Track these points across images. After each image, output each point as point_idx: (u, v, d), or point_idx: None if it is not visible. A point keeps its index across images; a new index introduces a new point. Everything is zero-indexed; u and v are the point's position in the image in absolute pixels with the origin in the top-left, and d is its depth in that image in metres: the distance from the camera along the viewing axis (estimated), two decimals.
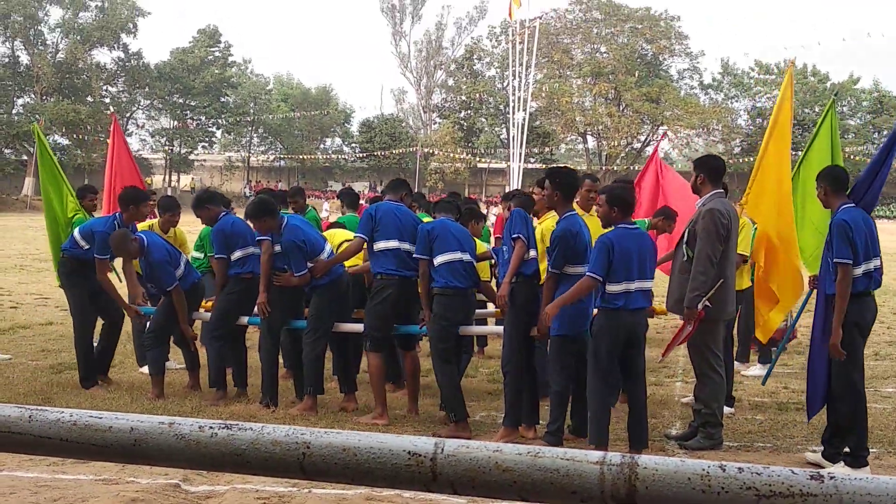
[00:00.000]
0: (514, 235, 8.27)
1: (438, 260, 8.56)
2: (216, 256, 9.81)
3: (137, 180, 12.90)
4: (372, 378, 8.98)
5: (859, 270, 7.27)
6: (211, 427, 2.20)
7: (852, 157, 73.70)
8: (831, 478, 1.85)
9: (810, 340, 7.92)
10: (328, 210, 50.66)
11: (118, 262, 10.70)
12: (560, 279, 7.94)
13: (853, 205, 7.47)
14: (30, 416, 2.29)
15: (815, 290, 8.29)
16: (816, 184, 7.72)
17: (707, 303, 7.82)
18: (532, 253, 8.35)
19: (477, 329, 10.07)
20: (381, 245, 8.92)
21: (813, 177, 8.68)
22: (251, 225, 9.55)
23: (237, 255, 9.67)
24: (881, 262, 7.50)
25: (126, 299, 10.41)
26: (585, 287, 7.66)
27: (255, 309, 9.49)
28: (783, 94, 9.74)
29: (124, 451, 2.22)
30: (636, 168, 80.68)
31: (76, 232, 10.36)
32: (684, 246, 8.15)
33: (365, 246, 9.12)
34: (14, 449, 2.31)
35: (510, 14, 64.97)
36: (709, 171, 8.18)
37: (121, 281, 10.89)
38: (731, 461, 5.90)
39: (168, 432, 2.20)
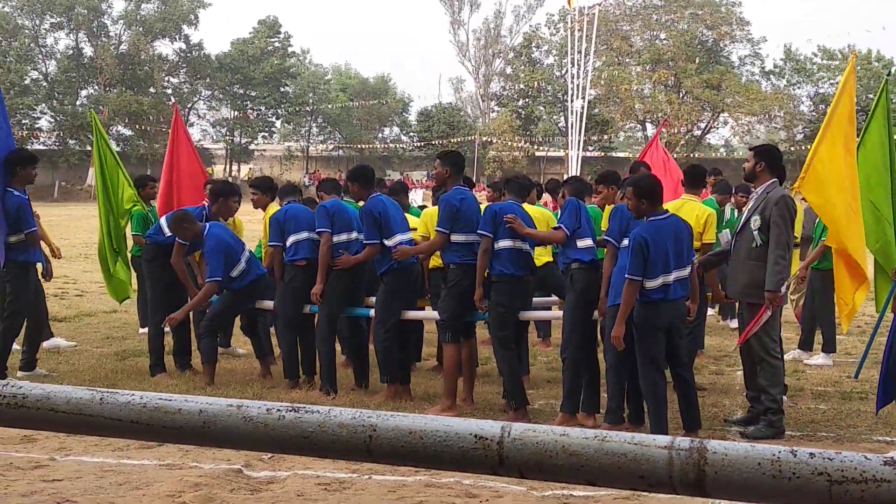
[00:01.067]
0: (555, 226, 8.53)
1: (500, 245, 8.56)
2: (271, 244, 10.07)
3: (199, 171, 13.01)
4: (447, 368, 9.01)
5: None
6: (279, 410, 2.23)
7: None
8: None
9: (890, 331, 7.83)
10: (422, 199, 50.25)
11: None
12: (616, 252, 8.15)
13: None
14: (101, 399, 2.33)
15: None
16: None
17: (785, 287, 7.90)
18: (588, 241, 8.43)
19: (538, 314, 10.05)
20: (460, 238, 8.89)
21: (871, 161, 8.65)
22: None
23: (292, 239, 9.80)
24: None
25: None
26: (631, 292, 7.68)
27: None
28: (844, 82, 9.60)
29: (194, 432, 2.26)
30: (696, 156, 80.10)
31: (163, 219, 10.55)
32: (755, 232, 8.14)
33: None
34: (86, 431, 2.35)
35: (569, 2, 64.77)
36: (770, 159, 8.32)
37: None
38: None
39: (236, 415, 2.23)
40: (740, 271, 8.31)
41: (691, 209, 9.66)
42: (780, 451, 1.89)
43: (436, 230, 8.97)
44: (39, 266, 10.35)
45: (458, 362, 8.98)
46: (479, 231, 8.63)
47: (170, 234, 10.13)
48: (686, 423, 7.86)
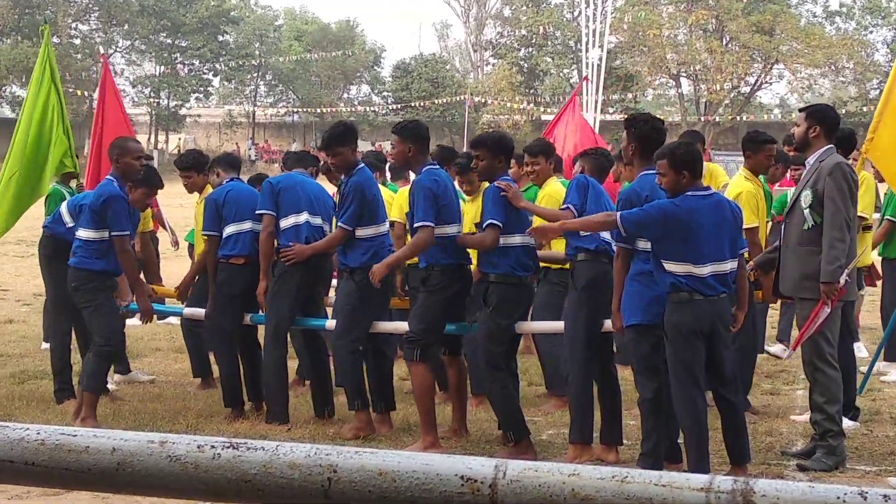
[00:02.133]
0: (563, 205, 8.47)
1: (511, 241, 8.53)
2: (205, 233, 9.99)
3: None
4: (418, 395, 8.90)
5: None
6: (212, 447, 2.22)
7: None
8: None
9: None
10: None
11: None
12: (630, 255, 7.90)
13: None
14: None
15: None
16: None
17: (847, 277, 7.87)
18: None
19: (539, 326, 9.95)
20: (440, 231, 8.78)
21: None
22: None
23: (231, 230, 9.81)
24: None
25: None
26: (604, 221, 7.85)
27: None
28: None
29: (105, 476, 2.24)
30: (743, 119, 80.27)
31: (63, 206, 10.36)
32: (806, 210, 8.16)
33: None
34: None
35: None
36: (828, 122, 8.30)
37: None
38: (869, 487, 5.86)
39: (159, 453, 2.22)
40: (792, 261, 8.31)
41: (738, 186, 9.72)
42: (846, 493, 1.90)
43: (420, 225, 8.70)
44: None
45: (431, 385, 8.94)
46: (492, 221, 8.52)
47: (72, 224, 9.95)
48: (732, 456, 7.80)
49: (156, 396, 10.40)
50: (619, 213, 7.57)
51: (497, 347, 8.55)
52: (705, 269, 7.55)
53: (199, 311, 10.08)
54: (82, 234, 9.39)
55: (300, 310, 9.63)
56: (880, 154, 8.88)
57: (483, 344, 8.64)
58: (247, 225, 9.72)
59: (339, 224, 9.22)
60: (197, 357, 10.73)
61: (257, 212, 9.60)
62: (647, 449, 7.95)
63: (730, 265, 7.69)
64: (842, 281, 7.93)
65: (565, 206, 8.43)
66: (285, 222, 9.48)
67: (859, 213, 9.02)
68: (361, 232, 9.11)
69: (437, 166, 9.07)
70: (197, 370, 10.71)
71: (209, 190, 10.52)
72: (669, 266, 7.56)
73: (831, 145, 8.30)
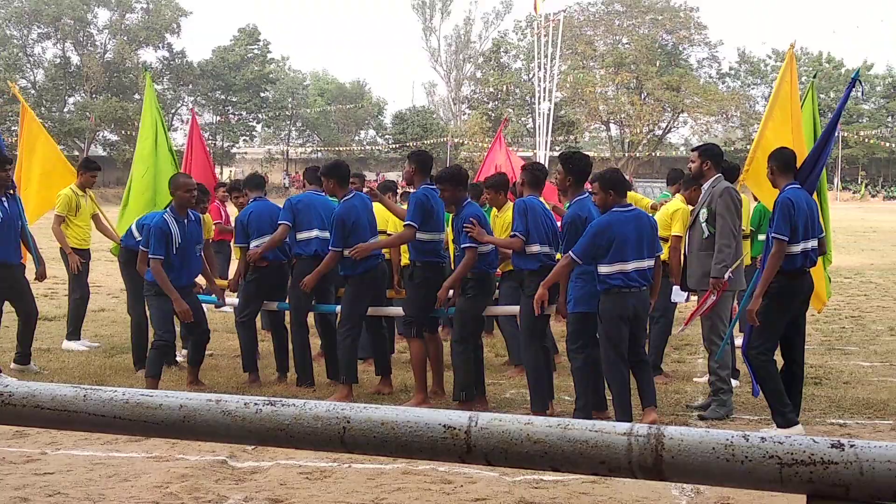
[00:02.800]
0: (511, 234, 8.36)
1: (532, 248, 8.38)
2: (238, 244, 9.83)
3: (211, 175, 12.72)
4: (414, 363, 8.84)
5: (797, 248, 7.39)
6: (256, 403, 2.22)
7: (866, 139, 73.18)
8: (851, 446, 1.83)
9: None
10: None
11: None
12: (574, 264, 7.81)
13: (798, 185, 7.59)
14: (84, 396, 2.31)
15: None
16: (767, 163, 7.82)
17: (731, 274, 7.97)
18: (535, 247, 8.22)
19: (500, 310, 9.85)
20: (425, 237, 8.70)
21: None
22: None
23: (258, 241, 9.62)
24: (819, 243, 7.61)
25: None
26: (565, 265, 7.74)
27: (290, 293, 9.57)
28: (782, 75, 9.57)
29: (174, 426, 2.24)
30: (658, 154, 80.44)
31: (133, 225, 10.16)
32: (703, 224, 8.23)
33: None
34: (70, 427, 2.34)
35: (535, 8, 64.82)
36: (715, 157, 8.41)
37: None
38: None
39: (215, 409, 2.22)
40: (695, 263, 8.38)
41: (674, 206, 9.84)
42: (733, 436, 1.91)
43: (405, 223, 8.69)
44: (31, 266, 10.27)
45: (425, 356, 8.81)
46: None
47: (139, 238, 9.54)
48: (644, 400, 7.84)
49: (213, 367, 10.35)
50: (571, 253, 7.61)
51: (539, 323, 8.43)
52: (629, 266, 7.60)
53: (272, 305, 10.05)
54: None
55: (315, 298, 9.51)
56: (753, 181, 8.90)
57: (526, 322, 8.41)
58: (266, 238, 9.55)
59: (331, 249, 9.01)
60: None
61: (278, 221, 9.44)
62: (580, 406, 8.00)
63: (647, 263, 7.73)
64: (726, 277, 7.97)
65: (513, 234, 8.26)
66: (300, 235, 9.40)
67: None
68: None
69: (434, 187, 8.81)
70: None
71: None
72: (603, 269, 7.60)
73: (719, 174, 8.38)
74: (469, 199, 8.71)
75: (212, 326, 10.05)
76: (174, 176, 9.57)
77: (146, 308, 9.60)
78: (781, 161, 7.68)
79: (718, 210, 8.09)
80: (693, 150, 8.74)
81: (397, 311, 9.37)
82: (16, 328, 10.24)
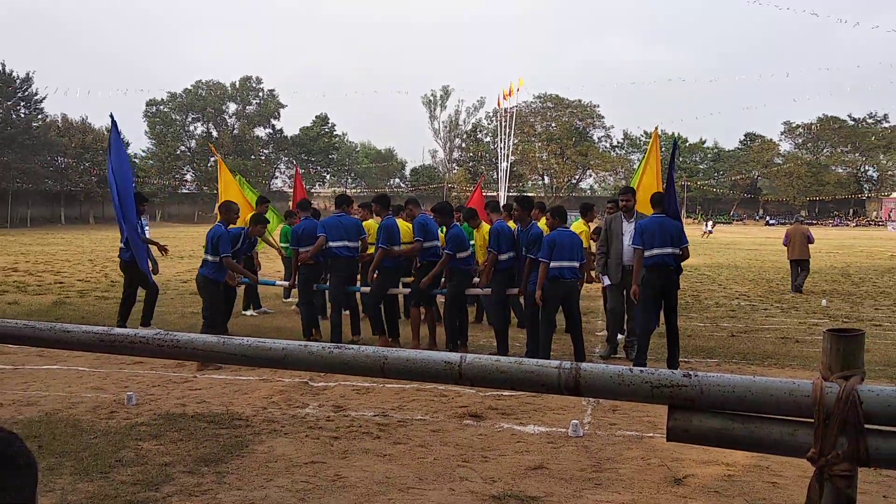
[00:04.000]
0: (488, 248, 8.14)
1: (463, 255, 8.30)
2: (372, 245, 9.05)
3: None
4: (413, 322, 8.59)
5: (650, 253, 7.26)
6: (329, 348, 2.21)
7: (703, 187, 73.29)
8: (696, 376, 1.83)
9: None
10: None
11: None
12: (535, 263, 7.81)
13: (661, 214, 7.44)
14: (223, 342, 2.30)
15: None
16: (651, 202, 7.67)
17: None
18: (504, 256, 8.11)
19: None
20: (427, 244, 8.56)
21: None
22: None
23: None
24: (671, 251, 7.31)
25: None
26: (544, 269, 7.63)
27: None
28: (651, 148, 9.61)
29: (279, 361, 2.23)
30: (574, 195, 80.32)
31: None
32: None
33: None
34: (215, 360, 2.32)
35: (499, 104, 64.67)
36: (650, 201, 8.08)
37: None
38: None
39: (304, 350, 2.21)
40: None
41: (577, 227, 9.76)
42: (622, 370, 1.90)
43: (378, 246, 8.50)
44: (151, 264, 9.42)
45: (420, 317, 8.59)
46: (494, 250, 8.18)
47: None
48: (576, 356, 7.68)
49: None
50: (540, 258, 7.55)
51: (458, 302, 8.33)
52: (564, 263, 7.56)
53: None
54: (206, 256, 7.93)
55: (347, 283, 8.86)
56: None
57: (452, 298, 8.30)
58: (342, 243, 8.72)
59: (380, 246, 8.58)
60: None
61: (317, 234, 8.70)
62: (531, 350, 7.95)
63: (576, 263, 7.67)
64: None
65: (490, 249, 8.06)
66: (332, 244, 8.63)
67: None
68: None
69: (392, 216, 8.74)
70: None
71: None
72: (553, 263, 7.55)
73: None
74: (455, 222, 8.61)
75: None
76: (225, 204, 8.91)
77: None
78: (651, 200, 7.64)
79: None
80: (623, 192, 8.39)
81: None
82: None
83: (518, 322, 9.74)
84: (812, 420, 1.70)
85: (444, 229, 8.68)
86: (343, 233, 8.68)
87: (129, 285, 9.30)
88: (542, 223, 9.86)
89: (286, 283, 10.06)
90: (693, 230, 55.23)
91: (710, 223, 53.16)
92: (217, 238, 7.83)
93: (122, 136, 9.19)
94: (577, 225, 9.94)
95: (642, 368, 1.87)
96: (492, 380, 1.99)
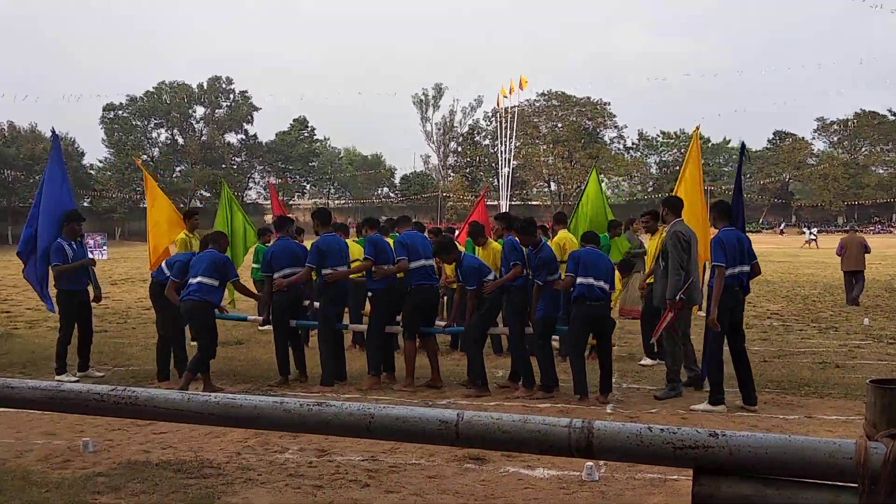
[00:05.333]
0: (512, 263, 7.91)
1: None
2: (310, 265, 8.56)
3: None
4: (406, 358, 8.22)
5: (730, 271, 7.08)
6: (308, 404, 2.19)
7: (727, 192, 73.40)
8: (723, 435, 1.81)
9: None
10: None
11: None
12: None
13: (731, 228, 7.32)
14: (188, 399, 2.28)
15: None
16: (710, 212, 7.56)
17: (682, 295, 7.61)
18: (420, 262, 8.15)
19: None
20: (413, 265, 8.25)
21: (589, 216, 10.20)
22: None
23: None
24: (748, 268, 7.22)
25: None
26: (568, 282, 7.63)
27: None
28: (691, 151, 9.45)
29: (250, 421, 2.21)
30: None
31: (164, 263, 8.88)
32: (660, 259, 7.93)
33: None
34: (178, 420, 2.30)
35: (499, 103, 65.34)
36: (672, 206, 7.97)
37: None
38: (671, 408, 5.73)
39: (279, 408, 2.19)
40: (658, 288, 7.98)
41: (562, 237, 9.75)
42: (641, 428, 1.88)
43: (306, 265, 8.31)
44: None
45: (414, 353, 8.21)
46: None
47: (168, 274, 8.48)
48: (601, 388, 7.55)
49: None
50: (534, 277, 7.68)
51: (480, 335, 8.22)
52: (593, 281, 7.53)
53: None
54: (203, 280, 8.03)
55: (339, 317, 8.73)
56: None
57: (473, 332, 8.10)
58: (286, 270, 8.46)
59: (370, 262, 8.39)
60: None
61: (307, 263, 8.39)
62: (544, 384, 7.78)
63: (606, 284, 7.62)
64: (677, 298, 7.55)
65: (514, 262, 7.85)
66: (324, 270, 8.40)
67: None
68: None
69: (333, 233, 8.61)
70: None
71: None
72: (579, 279, 7.57)
73: (679, 218, 7.86)
74: (464, 253, 8.46)
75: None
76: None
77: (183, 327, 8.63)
78: (718, 210, 7.38)
79: (668, 248, 7.67)
80: (660, 201, 8.31)
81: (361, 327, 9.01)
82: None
83: (560, 351, 9.52)
84: (856, 485, 1.68)
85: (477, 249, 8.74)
86: (340, 258, 8.48)
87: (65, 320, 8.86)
88: (562, 237, 9.84)
89: (260, 319, 10.00)
90: (782, 240, 54.91)
91: (812, 230, 52.00)
92: (225, 264, 8.23)
93: (62, 155, 9.44)
94: (564, 234, 9.92)
95: (663, 427, 1.86)
96: (493, 440, 1.97)
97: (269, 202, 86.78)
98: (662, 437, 1.84)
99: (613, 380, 7.88)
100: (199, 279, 8.08)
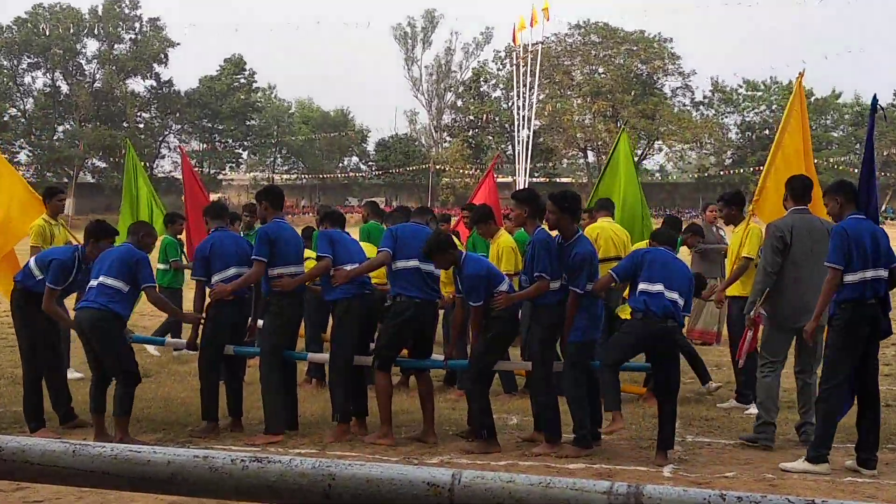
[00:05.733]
0: (536, 273, 7.77)
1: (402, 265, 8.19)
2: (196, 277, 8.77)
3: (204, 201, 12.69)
4: (379, 398, 8.16)
5: (854, 277, 7.02)
6: (242, 460, 2.20)
7: (836, 166, 73.51)
8: None
9: None
10: None
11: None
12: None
13: (861, 216, 7.28)
14: (73, 451, 2.28)
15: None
16: (833, 195, 7.37)
17: (762, 310, 7.66)
18: (554, 285, 7.79)
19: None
20: (399, 264, 8.18)
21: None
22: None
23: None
24: (883, 273, 7.12)
25: None
26: (606, 282, 7.85)
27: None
28: (792, 103, 9.42)
29: (162, 483, 2.22)
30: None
31: (31, 261, 8.68)
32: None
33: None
34: (60, 481, 2.31)
35: (514, 39, 65.35)
36: (791, 189, 8.03)
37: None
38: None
39: (203, 465, 2.20)
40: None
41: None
42: (710, 496, 1.90)
43: (253, 258, 8.38)
44: None
45: (389, 390, 8.20)
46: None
47: (41, 277, 8.38)
48: (660, 441, 7.60)
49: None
50: (569, 283, 7.71)
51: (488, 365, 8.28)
52: (658, 289, 7.62)
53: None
54: (106, 280, 8.06)
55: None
56: (766, 210, 8.81)
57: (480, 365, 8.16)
58: (231, 271, 8.55)
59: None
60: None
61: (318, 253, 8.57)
62: (579, 434, 7.78)
63: (679, 298, 7.71)
64: (752, 314, 7.74)
65: (540, 272, 7.72)
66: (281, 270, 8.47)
67: (745, 255, 8.93)
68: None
69: (283, 221, 8.68)
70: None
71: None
72: (641, 286, 7.67)
73: (800, 206, 7.95)
74: (465, 253, 8.34)
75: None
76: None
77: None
78: (844, 192, 7.36)
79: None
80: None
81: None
82: None
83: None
84: None
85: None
86: (295, 255, 8.67)
87: None
88: (596, 229, 9.84)
89: (178, 341, 10.05)
90: None
91: None
92: (140, 263, 8.16)
93: None
94: (598, 225, 10.03)
95: (741, 495, 1.87)
96: None
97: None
98: None
99: (675, 428, 7.85)
100: (101, 280, 8.02)
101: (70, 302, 8.89)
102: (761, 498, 1.89)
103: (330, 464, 2.14)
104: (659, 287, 7.51)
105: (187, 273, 11.64)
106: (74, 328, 8.33)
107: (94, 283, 8.11)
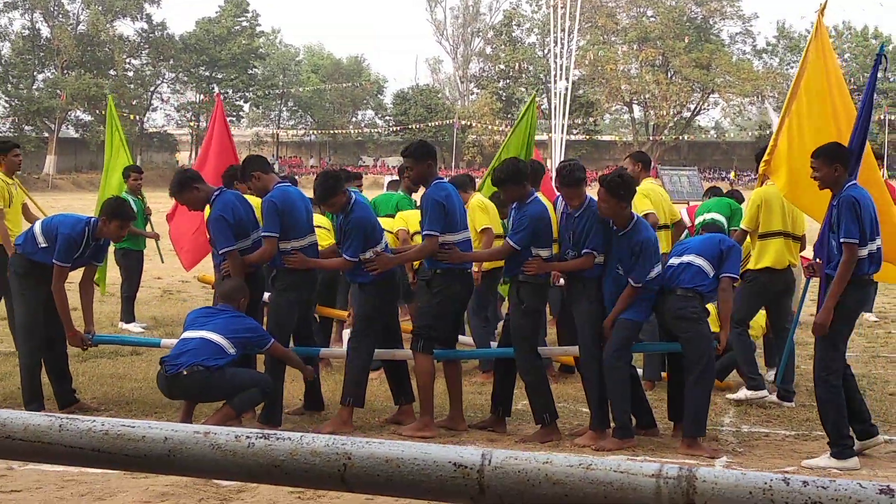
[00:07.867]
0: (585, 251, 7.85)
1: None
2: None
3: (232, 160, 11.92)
4: (420, 383, 8.20)
5: (864, 252, 7.03)
6: (248, 436, 2.20)
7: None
8: None
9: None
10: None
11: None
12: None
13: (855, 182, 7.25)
14: (60, 426, 2.30)
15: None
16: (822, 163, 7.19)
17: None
18: (600, 258, 7.88)
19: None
20: (449, 238, 8.14)
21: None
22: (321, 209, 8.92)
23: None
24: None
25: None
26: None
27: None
28: (809, 45, 8.88)
29: (159, 461, 2.23)
30: (686, 138, 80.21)
31: (36, 225, 8.55)
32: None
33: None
34: (44, 459, 2.32)
35: None
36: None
37: None
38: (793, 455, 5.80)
39: (204, 442, 2.21)
40: None
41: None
42: (772, 480, 1.90)
43: (426, 233, 8.21)
44: None
45: (432, 374, 8.23)
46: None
47: (45, 245, 8.25)
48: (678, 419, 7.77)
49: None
50: (626, 273, 7.71)
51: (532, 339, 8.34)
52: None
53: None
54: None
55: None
56: (781, 175, 8.53)
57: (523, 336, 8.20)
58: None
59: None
60: None
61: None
62: (621, 423, 7.77)
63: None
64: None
65: (587, 249, 7.81)
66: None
67: (743, 226, 9.00)
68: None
69: (444, 180, 8.51)
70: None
71: None
72: None
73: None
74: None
75: None
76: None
77: None
78: (846, 160, 7.26)
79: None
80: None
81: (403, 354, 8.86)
82: None
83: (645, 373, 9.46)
84: None
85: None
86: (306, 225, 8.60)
87: None
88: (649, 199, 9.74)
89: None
90: None
91: None
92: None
93: None
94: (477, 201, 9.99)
95: (807, 480, 1.87)
96: (538, 498, 2.00)
97: (184, 131, 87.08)
98: (806, 495, 1.86)
99: (728, 420, 7.84)
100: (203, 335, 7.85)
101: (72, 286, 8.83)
102: (830, 483, 1.89)
103: (345, 441, 2.15)
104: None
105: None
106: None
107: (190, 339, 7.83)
